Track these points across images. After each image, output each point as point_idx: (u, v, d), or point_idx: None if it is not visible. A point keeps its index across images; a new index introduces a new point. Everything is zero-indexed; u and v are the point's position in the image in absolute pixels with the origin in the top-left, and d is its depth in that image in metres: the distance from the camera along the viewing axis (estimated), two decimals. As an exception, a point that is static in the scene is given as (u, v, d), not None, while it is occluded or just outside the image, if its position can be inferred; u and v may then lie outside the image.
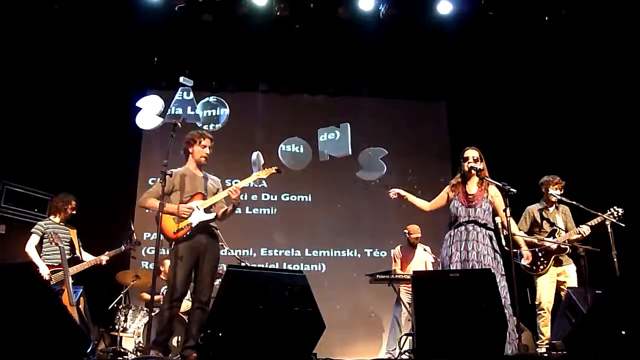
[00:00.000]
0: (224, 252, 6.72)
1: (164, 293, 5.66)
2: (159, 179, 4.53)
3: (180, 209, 4.55)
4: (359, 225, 8.62)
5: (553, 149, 7.67)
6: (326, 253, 8.58)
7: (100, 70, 7.90)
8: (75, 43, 7.58)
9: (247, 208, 8.63)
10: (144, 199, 4.76)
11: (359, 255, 8.61)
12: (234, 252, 7.04)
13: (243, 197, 8.45)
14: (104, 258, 5.88)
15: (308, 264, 8.53)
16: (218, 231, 4.84)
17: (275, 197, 8.76)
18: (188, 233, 4.57)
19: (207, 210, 4.68)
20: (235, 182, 5.07)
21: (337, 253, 8.60)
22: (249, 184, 4.95)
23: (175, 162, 4.78)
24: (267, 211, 8.71)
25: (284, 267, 8.35)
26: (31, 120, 7.51)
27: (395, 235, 7.73)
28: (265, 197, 8.74)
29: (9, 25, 7.06)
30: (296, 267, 8.44)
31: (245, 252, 8.41)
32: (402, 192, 4.99)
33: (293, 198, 8.78)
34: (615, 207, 5.37)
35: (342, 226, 8.59)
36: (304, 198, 8.80)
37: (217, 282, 6.05)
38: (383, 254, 8.61)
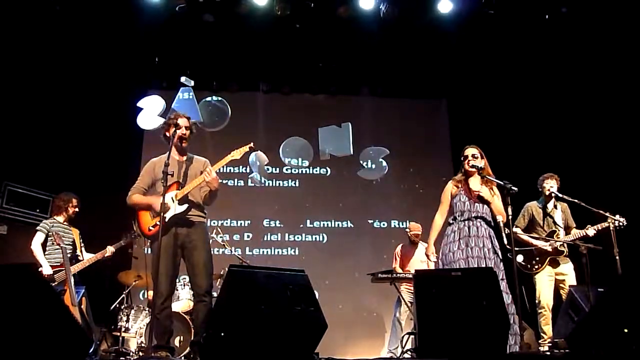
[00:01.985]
0: (225, 251, 6.80)
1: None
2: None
3: (156, 203, 4.28)
4: (360, 223, 8.63)
5: (554, 147, 7.66)
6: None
7: (102, 71, 7.90)
8: (76, 44, 7.58)
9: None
10: (129, 197, 4.55)
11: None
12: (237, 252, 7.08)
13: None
14: (109, 249, 5.89)
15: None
16: (204, 223, 4.57)
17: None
18: (164, 228, 4.21)
19: (182, 201, 4.39)
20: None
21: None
22: (221, 168, 4.55)
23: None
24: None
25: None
26: (33, 121, 7.52)
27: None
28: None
29: (10, 26, 7.06)
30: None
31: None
32: (431, 252, 4.96)
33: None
34: (618, 217, 5.36)
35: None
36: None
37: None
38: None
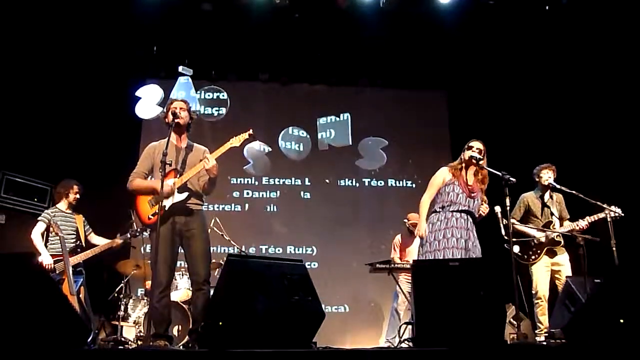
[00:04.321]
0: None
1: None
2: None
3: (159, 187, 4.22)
4: (359, 213, 8.64)
5: (553, 139, 7.65)
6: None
7: (100, 60, 7.86)
8: (74, 33, 7.54)
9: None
10: (130, 182, 4.53)
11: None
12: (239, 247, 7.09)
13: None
14: (119, 241, 5.91)
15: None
16: (202, 211, 4.57)
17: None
18: (163, 216, 4.21)
19: (181, 189, 4.39)
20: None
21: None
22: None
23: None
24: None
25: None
26: (31, 110, 7.49)
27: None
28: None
29: (7, 15, 7.02)
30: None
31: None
32: (424, 229, 4.85)
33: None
34: (614, 208, 5.37)
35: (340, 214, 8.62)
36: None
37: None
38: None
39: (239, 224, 8.19)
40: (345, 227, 8.47)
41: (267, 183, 8.67)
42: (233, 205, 8.47)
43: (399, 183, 8.80)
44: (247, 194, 8.59)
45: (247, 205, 8.53)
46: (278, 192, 8.67)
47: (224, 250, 7.77)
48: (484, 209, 4.83)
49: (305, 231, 8.54)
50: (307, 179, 8.73)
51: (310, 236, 8.50)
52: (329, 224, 8.52)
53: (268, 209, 8.58)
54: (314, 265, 8.32)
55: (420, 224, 4.89)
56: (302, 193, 8.70)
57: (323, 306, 7.54)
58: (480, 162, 4.78)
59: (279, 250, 8.39)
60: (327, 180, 8.76)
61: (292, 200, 8.64)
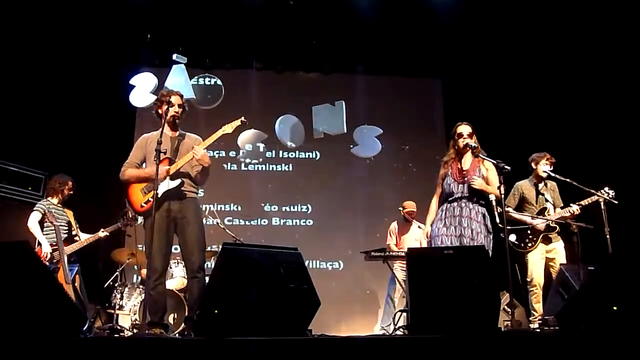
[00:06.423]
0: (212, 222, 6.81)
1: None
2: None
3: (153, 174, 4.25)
4: (354, 201, 8.64)
5: (547, 127, 7.66)
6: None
7: (94, 48, 7.81)
8: (68, 21, 7.48)
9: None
10: (122, 172, 4.56)
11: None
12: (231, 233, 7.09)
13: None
14: (102, 234, 5.91)
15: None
16: (196, 198, 4.60)
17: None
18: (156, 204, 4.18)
19: (173, 177, 4.42)
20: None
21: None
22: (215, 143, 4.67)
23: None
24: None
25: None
26: (24, 99, 7.44)
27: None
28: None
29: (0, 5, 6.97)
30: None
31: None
32: (427, 232, 4.85)
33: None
34: (606, 189, 5.39)
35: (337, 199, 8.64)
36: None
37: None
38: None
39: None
40: (339, 217, 8.48)
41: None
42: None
43: (394, 171, 8.79)
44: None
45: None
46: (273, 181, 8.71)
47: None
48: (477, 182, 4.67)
49: (298, 217, 8.61)
50: (301, 169, 8.76)
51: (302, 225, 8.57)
52: (323, 211, 8.54)
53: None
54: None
55: (425, 228, 4.91)
56: (297, 182, 8.72)
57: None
58: (476, 149, 4.71)
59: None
60: (316, 158, 8.81)
61: (286, 189, 8.67)
